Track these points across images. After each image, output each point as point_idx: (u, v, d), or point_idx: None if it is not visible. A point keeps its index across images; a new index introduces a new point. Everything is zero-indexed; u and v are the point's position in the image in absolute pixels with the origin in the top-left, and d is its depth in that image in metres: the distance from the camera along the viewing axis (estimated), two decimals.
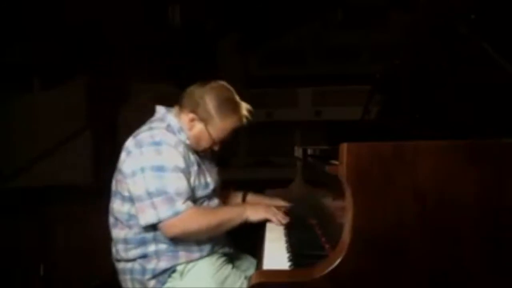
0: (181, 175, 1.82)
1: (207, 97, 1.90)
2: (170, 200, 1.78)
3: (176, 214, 1.78)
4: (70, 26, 6.14)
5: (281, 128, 7.93)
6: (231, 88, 1.97)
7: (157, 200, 1.77)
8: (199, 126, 1.91)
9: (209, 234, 1.89)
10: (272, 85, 8.26)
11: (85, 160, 6.32)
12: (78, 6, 6.13)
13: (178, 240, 1.86)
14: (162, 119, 1.93)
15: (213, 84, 1.95)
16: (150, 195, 1.78)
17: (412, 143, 1.22)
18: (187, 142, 1.92)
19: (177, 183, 1.80)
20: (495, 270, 1.20)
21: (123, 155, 1.88)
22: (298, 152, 2.62)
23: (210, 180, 1.98)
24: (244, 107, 1.95)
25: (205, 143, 1.94)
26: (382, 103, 2.32)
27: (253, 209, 1.97)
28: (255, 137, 8.15)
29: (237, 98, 1.96)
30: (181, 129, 1.91)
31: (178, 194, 1.79)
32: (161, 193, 1.78)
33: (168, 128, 1.89)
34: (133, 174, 1.81)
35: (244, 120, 1.95)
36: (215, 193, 2.02)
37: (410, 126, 1.85)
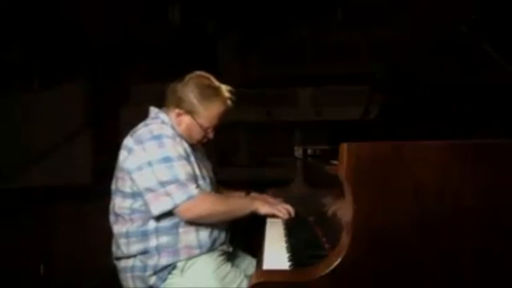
0: (185, 163, 1.88)
1: (187, 89, 1.96)
2: (183, 186, 1.83)
3: (191, 198, 1.83)
4: (70, 26, 6.14)
5: (281, 128, 7.92)
6: (209, 75, 2.02)
7: (170, 187, 1.83)
8: (186, 119, 1.97)
9: (221, 219, 1.96)
10: (272, 85, 8.25)
11: (85, 160, 6.33)
12: (77, 6, 6.13)
13: (178, 235, 1.89)
14: (155, 118, 1.99)
15: (191, 75, 2.00)
16: (163, 184, 1.83)
17: (412, 143, 1.22)
18: (181, 135, 1.96)
19: (186, 170, 1.86)
20: (495, 270, 1.20)
21: (123, 153, 1.92)
22: (298, 152, 2.63)
23: (204, 172, 2.02)
24: (225, 90, 2.00)
25: (196, 134, 1.99)
26: (382, 103, 2.32)
27: (262, 202, 2.05)
28: (255, 137, 8.15)
29: (216, 82, 2.00)
30: (173, 126, 1.96)
31: (189, 179, 1.85)
32: (173, 180, 1.83)
33: (163, 122, 1.95)
34: (139, 168, 1.85)
35: (228, 102, 1.99)
36: (213, 186, 2.06)
37: (410, 126, 1.85)
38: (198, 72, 2.02)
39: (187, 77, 1.99)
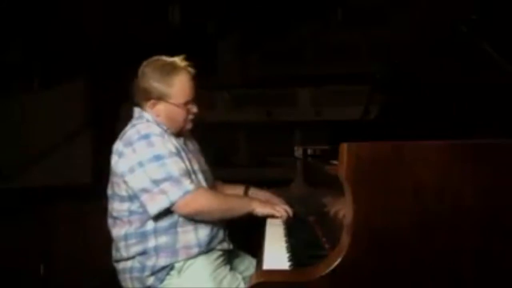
0: (178, 159, 1.87)
1: (147, 78, 1.94)
2: (178, 182, 1.82)
3: (187, 193, 1.82)
4: (70, 26, 6.14)
5: (281, 128, 7.92)
6: (159, 56, 2.01)
7: (165, 185, 1.81)
8: (162, 107, 1.95)
9: (218, 217, 1.94)
10: (272, 85, 8.25)
11: (85, 160, 6.33)
12: (77, 6, 6.13)
13: (177, 234, 1.89)
14: (140, 117, 1.97)
15: (143, 64, 1.99)
16: (156, 182, 1.81)
17: (412, 143, 1.22)
18: (168, 131, 1.94)
19: (179, 166, 1.85)
20: (495, 270, 1.20)
21: (114, 157, 1.91)
22: (298, 152, 2.63)
23: (197, 167, 2.00)
24: (179, 60, 1.98)
25: (179, 116, 1.96)
26: (382, 103, 2.33)
27: (260, 203, 2.02)
28: (255, 137, 8.14)
29: (168, 58, 1.99)
30: (157, 122, 1.94)
31: (183, 175, 1.84)
32: (167, 178, 1.81)
33: (148, 121, 1.94)
34: (131, 170, 1.84)
35: (190, 69, 1.97)
36: (208, 180, 2.04)
37: (410, 126, 1.85)
38: (149, 60, 2.01)
39: (141, 68, 1.98)
